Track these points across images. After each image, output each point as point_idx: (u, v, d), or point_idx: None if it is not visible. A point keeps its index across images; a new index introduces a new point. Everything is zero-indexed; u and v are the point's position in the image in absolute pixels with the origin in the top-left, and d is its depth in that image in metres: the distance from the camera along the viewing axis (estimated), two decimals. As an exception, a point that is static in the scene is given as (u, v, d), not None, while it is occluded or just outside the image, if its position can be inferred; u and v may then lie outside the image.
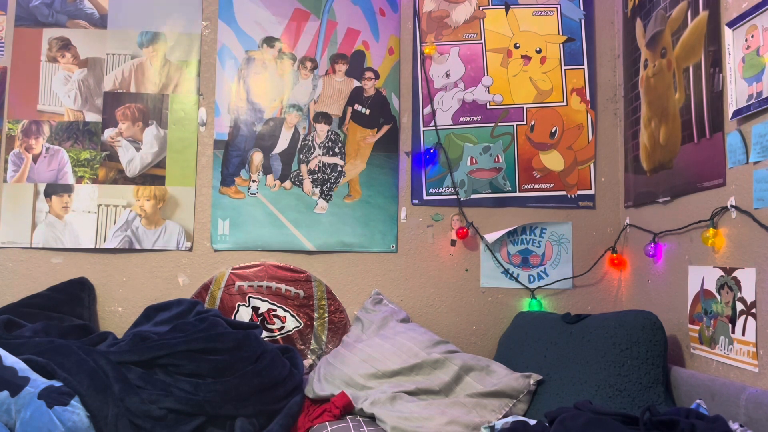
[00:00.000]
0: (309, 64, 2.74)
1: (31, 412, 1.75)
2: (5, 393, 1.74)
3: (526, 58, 2.77)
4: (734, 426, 1.61)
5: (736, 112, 1.85)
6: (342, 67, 2.75)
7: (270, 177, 2.70)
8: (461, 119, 2.74)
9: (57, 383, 1.87)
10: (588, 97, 2.76)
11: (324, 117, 2.73)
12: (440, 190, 2.71)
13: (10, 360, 1.87)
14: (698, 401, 1.80)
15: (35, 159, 2.65)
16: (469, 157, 2.72)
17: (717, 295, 1.96)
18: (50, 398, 1.79)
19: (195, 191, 2.68)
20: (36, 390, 1.79)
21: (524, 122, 2.74)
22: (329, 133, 2.72)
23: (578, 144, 2.74)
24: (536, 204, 2.72)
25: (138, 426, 1.92)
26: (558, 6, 2.78)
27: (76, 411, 1.81)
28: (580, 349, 2.18)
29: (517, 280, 2.68)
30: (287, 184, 2.70)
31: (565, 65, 2.76)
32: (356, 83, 2.75)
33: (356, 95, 2.74)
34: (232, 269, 2.64)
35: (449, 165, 2.71)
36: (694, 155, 2.11)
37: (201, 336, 2.12)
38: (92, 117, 2.69)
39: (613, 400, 2.01)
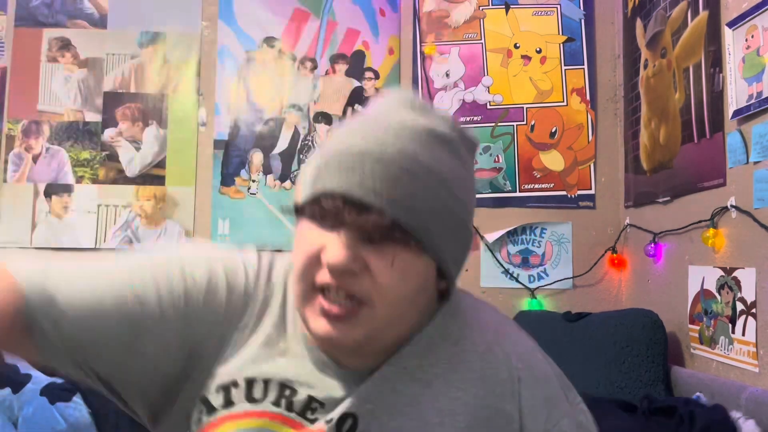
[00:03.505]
0: (309, 64, 2.74)
1: (34, 408, 1.75)
2: (7, 390, 1.74)
3: (526, 58, 2.77)
4: (736, 415, 1.61)
5: (736, 112, 1.85)
6: (342, 67, 2.75)
7: (270, 177, 2.70)
8: (461, 119, 2.74)
9: (59, 380, 1.87)
10: (588, 97, 2.76)
11: (324, 117, 2.72)
12: (440, 190, 2.71)
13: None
14: (698, 393, 1.80)
15: (35, 159, 2.65)
16: (469, 157, 2.72)
17: (717, 295, 1.96)
18: (52, 395, 1.79)
19: (195, 191, 2.68)
20: (38, 387, 1.80)
21: (524, 122, 2.74)
22: (329, 133, 2.72)
23: (578, 144, 2.75)
24: (536, 204, 2.72)
25: (138, 423, 1.92)
26: (558, 6, 2.78)
27: (78, 407, 1.81)
28: (581, 346, 2.18)
29: (517, 280, 2.68)
30: (287, 184, 2.70)
31: (565, 65, 2.76)
32: (356, 83, 2.75)
33: (356, 95, 2.74)
34: (232, 269, 2.63)
35: (449, 165, 2.71)
36: (694, 155, 2.11)
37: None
38: (92, 117, 2.68)
39: (613, 397, 2.02)
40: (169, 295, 0.81)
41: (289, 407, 0.80)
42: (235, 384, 0.81)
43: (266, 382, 0.81)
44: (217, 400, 0.81)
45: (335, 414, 0.79)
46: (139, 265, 0.84)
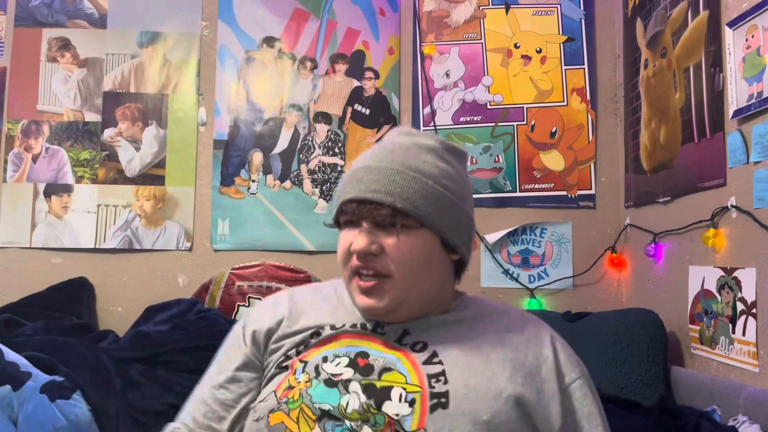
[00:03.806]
0: (309, 64, 2.74)
1: (34, 405, 1.75)
2: (7, 387, 1.74)
3: (527, 57, 2.76)
4: (742, 418, 1.60)
5: (737, 112, 1.85)
6: (342, 67, 2.75)
7: (270, 177, 2.70)
8: (461, 119, 2.74)
9: (59, 378, 1.87)
10: (588, 97, 2.76)
11: (324, 117, 2.72)
12: (440, 190, 2.71)
13: (12, 356, 1.87)
14: (714, 407, 1.79)
15: (35, 159, 2.65)
16: (470, 157, 2.72)
17: (717, 295, 1.96)
18: (52, 392, 1.79)
19: (195, 191, 2.68)
20: (38, 384, 1.79)
21: (524, 122, 2.74)
22: (329, 133, 2.72)
23: (578, 144, 2.74)
24: (536, 204, 2.72)
25: (139, 421, 1.92)
26: (558, 6, 2.78)
27: (78, 404, 1.81)
28: (581, 346, 2.16)
29: (517, 281, 2.68)
30: (287, 184, 2.70)
31: (565, 65, 2.76)
32: (356, 83, 2.75)
33: (356, 95, 2.74)
34: (232, 269, 2.63)
35: (449, 165, 2.71)
36: (694, 155, 2.11)
37: (202, 333, 2.12)
38: (92, 117, 2.68)
39: (609, 393, 2.02)
40: (247, 341, 1.15)
41: (364, 328, 1.09)
42: (319, 326, 1.11)
43: (343, 324, 1.10)
44: (304, 338, 1.10)
45: (411, 340, 1.06)
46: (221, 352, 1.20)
